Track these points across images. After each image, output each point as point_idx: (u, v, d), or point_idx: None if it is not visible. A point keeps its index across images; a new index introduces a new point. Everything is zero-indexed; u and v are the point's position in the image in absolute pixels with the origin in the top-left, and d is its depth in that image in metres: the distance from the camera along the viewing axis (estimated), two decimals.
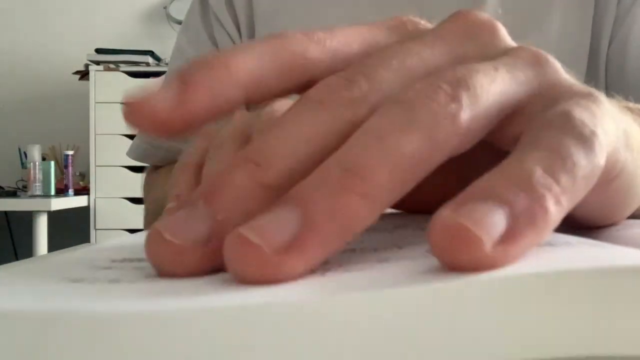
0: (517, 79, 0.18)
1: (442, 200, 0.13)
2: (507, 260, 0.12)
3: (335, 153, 0.15)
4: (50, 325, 0.09)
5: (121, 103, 0.17)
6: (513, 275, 0.10)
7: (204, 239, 0.14)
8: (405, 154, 0.15)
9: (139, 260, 0.16)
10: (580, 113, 0.16)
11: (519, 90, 0.18)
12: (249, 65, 0.17)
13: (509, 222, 0.13)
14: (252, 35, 0.64)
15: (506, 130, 0.18)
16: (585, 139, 0.15)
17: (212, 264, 0.14)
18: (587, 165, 0.15)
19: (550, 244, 0.13)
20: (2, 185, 2.71)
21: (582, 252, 0.13)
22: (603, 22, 0.57)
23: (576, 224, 0.23)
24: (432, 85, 0.16)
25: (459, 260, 0.12)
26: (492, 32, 0.20)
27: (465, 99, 0.16)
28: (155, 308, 0.10)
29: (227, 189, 0.15)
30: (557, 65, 0.19)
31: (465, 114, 0.16)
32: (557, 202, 0.13)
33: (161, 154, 0.65)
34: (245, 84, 0.17)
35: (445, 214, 0.12)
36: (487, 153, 0.21)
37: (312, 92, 0.17)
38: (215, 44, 0.64)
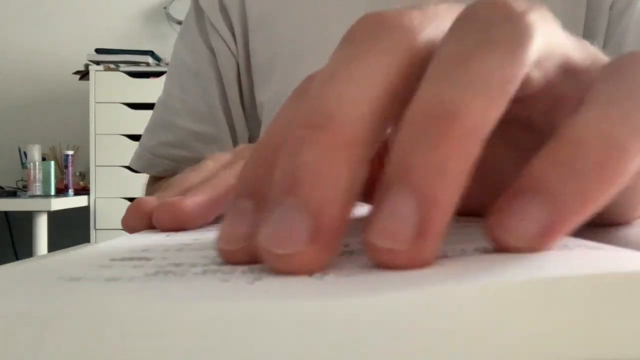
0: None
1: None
2: (547, 247, 0.13)
3: (417, 94, 0.13)
4: (47, 325, 0.09)
5: None
6: (512, 281, 0.10)
7: (312, 238, 0.12)
8: (495, 75, 0.13)
9: (139, 259, 0.16)
10: None
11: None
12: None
13: (551, 215, 0.13)
14: (246, 38, 0.64)
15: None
16: None
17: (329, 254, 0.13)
18: None
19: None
20: (2, 185, 2.71)
21: (581, 256, 0.12)
22: (596, 24, 0.57)
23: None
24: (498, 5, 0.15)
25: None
26: None
27: (534, 14, 0.15)
28: (152, 304, 0.10)
29: (308, 171, 0.13)
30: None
31: (538, 25, 0.15)
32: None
33: (164, 164, 0.65)
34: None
35: (489, 220, 0.13)
36: (508, 155, 0.21)
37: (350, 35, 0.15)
38: (211, 50, 0.65)
